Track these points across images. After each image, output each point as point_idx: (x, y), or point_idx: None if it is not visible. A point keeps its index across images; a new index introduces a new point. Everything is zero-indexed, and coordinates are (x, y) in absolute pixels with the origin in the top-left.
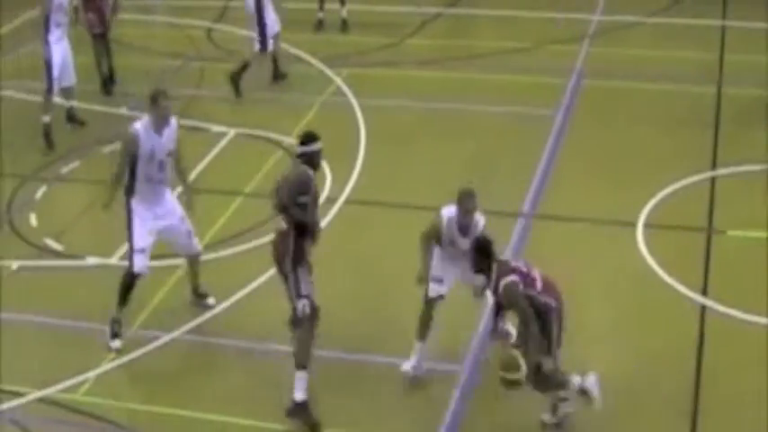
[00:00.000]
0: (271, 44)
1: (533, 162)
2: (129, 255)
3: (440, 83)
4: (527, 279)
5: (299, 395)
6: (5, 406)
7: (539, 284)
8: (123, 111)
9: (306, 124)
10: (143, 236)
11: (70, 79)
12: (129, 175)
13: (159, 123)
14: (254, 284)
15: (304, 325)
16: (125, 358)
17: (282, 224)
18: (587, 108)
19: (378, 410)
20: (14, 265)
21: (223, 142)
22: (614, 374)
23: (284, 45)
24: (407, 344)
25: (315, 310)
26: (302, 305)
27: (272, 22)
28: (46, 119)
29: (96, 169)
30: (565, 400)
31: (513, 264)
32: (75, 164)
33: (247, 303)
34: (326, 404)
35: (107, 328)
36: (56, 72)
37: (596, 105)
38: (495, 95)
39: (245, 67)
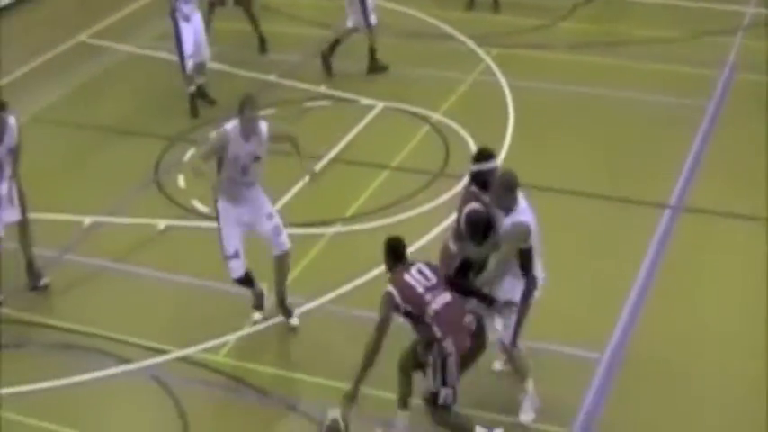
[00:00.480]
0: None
1: (682, 153)
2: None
3: (590, 68)
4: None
5: None
6: (148, 362)
7: (432, 308)
8: (272, 78)
9: (454, 102)
10: (231, 240)
11: (201, 55)
12: (217, 172)
13: (246, 131)
14: None
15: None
16: (267, 323)
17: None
18: (739, 101)
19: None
20: (162, 224)
21: (371, 115)
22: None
23: (435, 21)
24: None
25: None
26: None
27: (373, 7)
28: (191, 89)
29: None
30: None
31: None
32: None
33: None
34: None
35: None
36: (189, 49)
37: (748, 99)
38: (645, 84)
39: (336, 43)
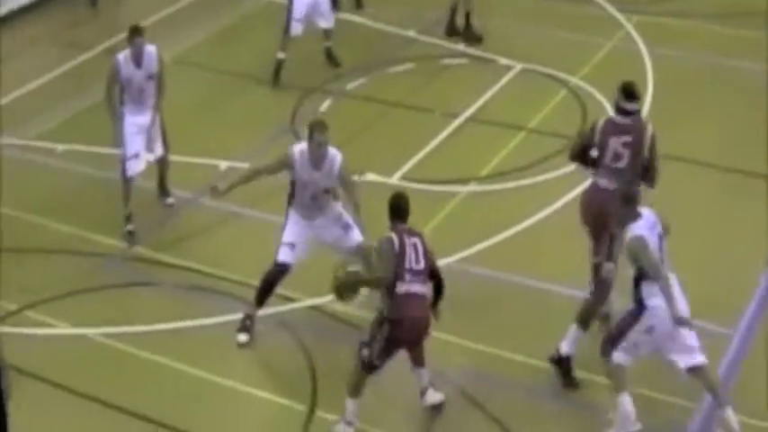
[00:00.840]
0: None
1: None
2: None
3: (733, 39)
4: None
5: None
6: (278, 309)
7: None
8: (411, 33)
9: (593, 67)
10: (294, 233)
11: (327, 21)
12: (290, 188)
13: (315, 158)
14: (530, 221)
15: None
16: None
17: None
18: None
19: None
20: None
21: (509, 75)
22: None
23: None
24: None
25: None
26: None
27: None
28: (281, 55)
29: (381, 88)
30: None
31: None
32: (361, 80)
33: (522, 238)
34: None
35: None
36: (298, 13)
37: None
38: None
39: (453, 12)
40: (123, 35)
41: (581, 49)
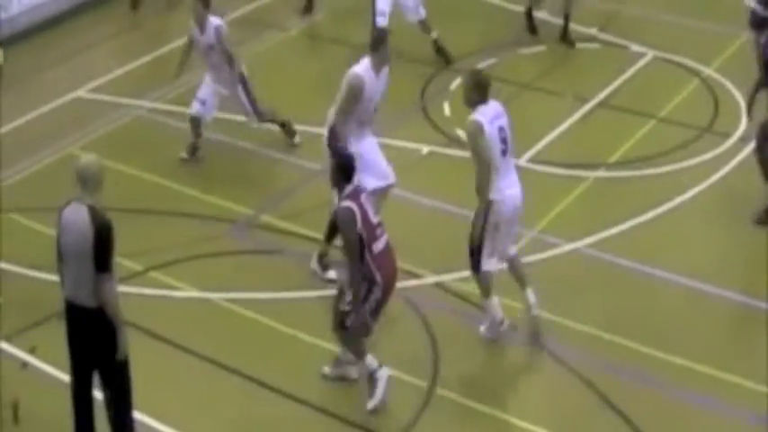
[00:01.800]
0: None
1: None
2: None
3: None
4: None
5: None
6: (403, 285)
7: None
8: (543, 14)
9: (727, 58)
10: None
11: (416, 13)
12: (341, 116)
13: (379, 67)
14: (657, 211)
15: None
16: (522, 259)
17: None
18: None
19: None
20: (425, 149)
21: (641, 63)
22: None
23: None
24: None
25: None
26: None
27: None
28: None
29: (511, 70)
30: (349, 365)
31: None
32: (491, 60)
33: (648, 227)
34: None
35: None
36: (383, 5)
37: None
38: None
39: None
40: None
41: (715, 39)
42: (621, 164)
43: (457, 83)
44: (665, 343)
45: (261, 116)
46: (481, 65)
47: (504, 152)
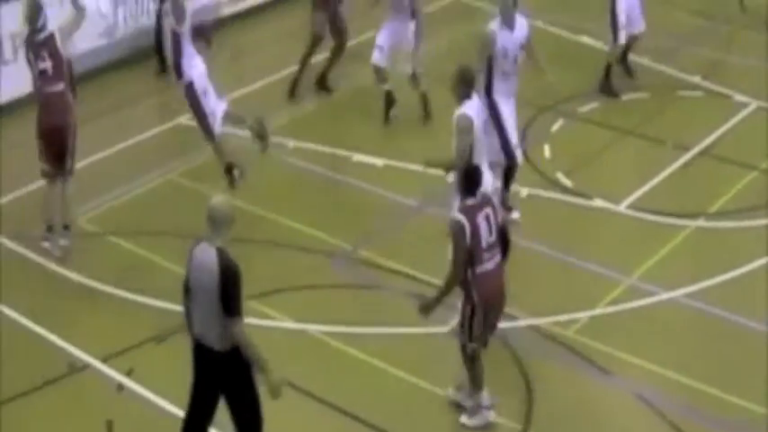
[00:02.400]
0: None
1: None
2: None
3: None
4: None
5: None
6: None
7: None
8: (646, 61)
9: None
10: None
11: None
12: (487, 73)
13: (509, 20)
14: (755, 263)
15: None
16: (619, 306)
17: None
18: None
19: None
20: (524, 192)
21: (744, 113)
22: None
23: None
24: None
25: None
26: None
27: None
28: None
29: (613, 115)
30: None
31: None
32: (594, 104)
33: (748, 279)
34: None
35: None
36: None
37: None
38: None
39: (609, 68)
40: None
41: None
42: (721, 214)
43: (558, 125)
44: (759, 395)
45: None
46: (583, 109)
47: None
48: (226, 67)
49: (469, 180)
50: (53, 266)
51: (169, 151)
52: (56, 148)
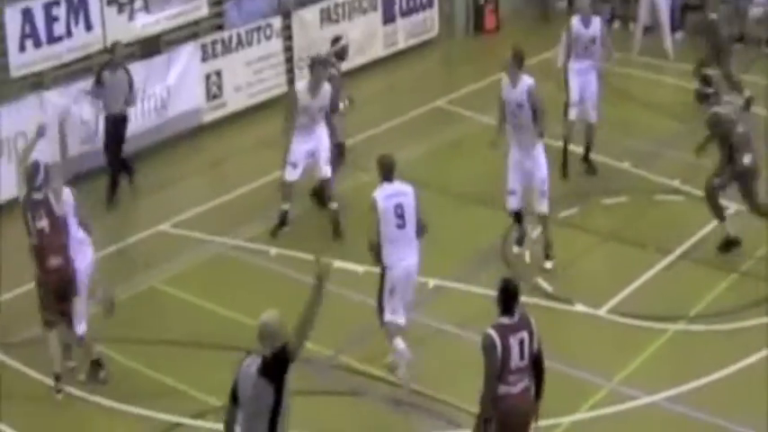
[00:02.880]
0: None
1: None
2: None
3: None
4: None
5: None
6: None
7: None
8: (626, 165)
9: None
10: (514, 180)
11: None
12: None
13: (514, 79)
14: (739, 365)
15: None
16: (601, 411)
17: None
18: None
19: None
20: None
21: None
22: None
23: None
24: None
25: None
26: None
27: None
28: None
29: (593, 219)
30: None
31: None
32: (573, 210)
33: (729, 382)
34: None
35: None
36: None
37: None
38: None
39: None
40: None
41: None
42: (703, 317)
43: (539, 231)
44: None
45: None
46: (563, 214)
47: (399, 226)
48: (205, 175)
49: (505, 295)
50: (35, 374)
51: (152, 258)
52: (57, 294)
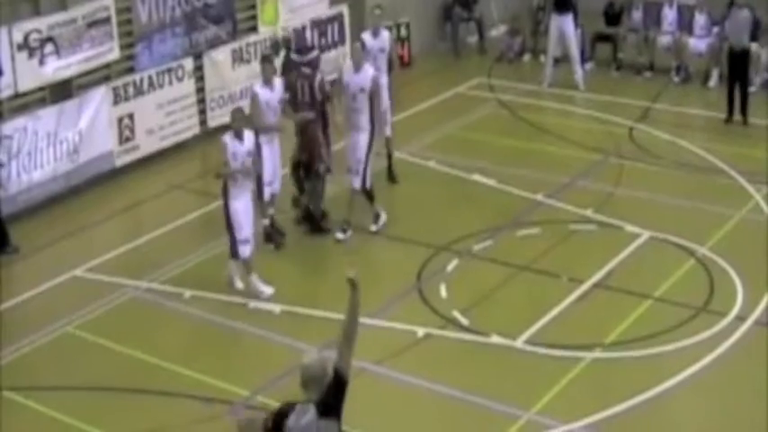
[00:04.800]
0: None
1: None
2: None
3: None
4: None
5: None
6: None
7: None
8: (539, 197)
9: (721, 238)
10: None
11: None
12: None
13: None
14: (654, 391)
15: None
16: None
17: None
18: None
19: None
20: (420, 332)
21: (636, 243)
22: None
23: (705, 155)
24: None
25: None
26: None
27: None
28: (264, 222)
29: (508, 251)
30: None
31: None
32: (488, 243)
33: (647, 408)
34: None
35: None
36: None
37: None
38: None
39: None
40: None
41: (709, 218)
42: (618, 344)
43: (453, 264)
44: None
45: None
46: (477, 247)
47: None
48: (119, 218)
49: None
50: None
51: (66, 304)
52: None
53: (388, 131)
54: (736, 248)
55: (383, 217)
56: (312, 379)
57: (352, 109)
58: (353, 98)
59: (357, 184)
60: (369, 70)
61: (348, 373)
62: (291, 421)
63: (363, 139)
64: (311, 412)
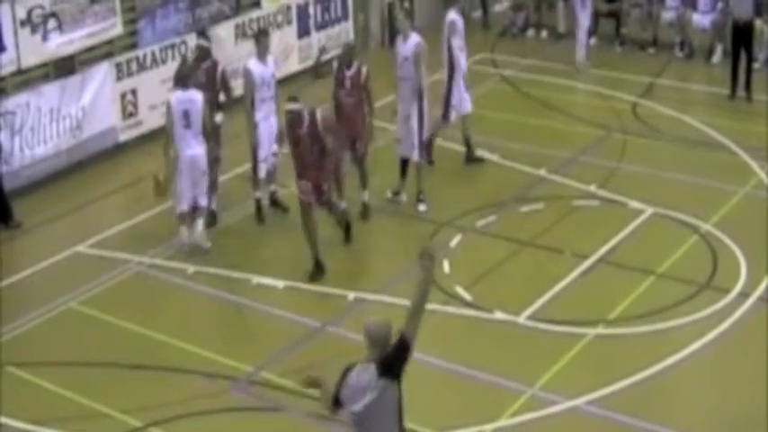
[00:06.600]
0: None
1: None
2: None
3: None
4: None
5: None
6: None
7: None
8: (542, 172)
9: (725, 214)
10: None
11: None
12: None
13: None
14: (657, 367)
15: None
16: (523, 417)
17: None
18: None
19: None
20: None
21: (640, 219)
22: None
23: (710, 131)
24: None
25: None
26: None
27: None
28: (257, 194)
29: (511, 227)
30: None
31: None
32: (491, 218)
33: (650, 384)
34: None
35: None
36: (262, 153)
37: None
38: None
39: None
40: None
41: (713, 195)
42: (621, 320)
43: (457, 240)
44: None
45: None
46: (480, 223)
47: (185, 126)
48: (123, 194)
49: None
50: None
51: (69, 279)
52: None
53: (467, 107)
54: (739, 225)
55: (403, 197)
56: (375, 340)
57: (398, 77)
58: (400, 66)
59: (416, 156)
60: (414, 39)
61: (413, 340)
62: (353, 376)
63: (413, 110)
64: (371, 370)
